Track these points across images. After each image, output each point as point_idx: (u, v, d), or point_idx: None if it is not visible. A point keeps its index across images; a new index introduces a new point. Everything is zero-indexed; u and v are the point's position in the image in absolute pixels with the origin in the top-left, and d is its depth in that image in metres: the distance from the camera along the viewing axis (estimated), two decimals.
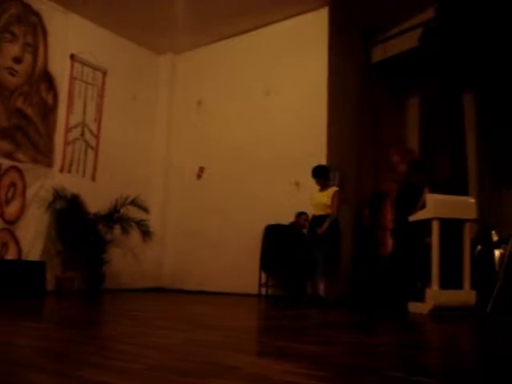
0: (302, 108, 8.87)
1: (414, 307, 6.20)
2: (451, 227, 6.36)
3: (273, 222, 8.57)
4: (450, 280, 6.20)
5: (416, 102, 9.86)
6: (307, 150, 8.57)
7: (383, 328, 5.13)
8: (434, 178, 7.59)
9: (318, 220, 7.22)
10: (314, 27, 8.96)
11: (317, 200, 7.29)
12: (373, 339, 4.17)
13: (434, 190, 6.52)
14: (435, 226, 6.07)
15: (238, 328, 4.62)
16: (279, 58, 9.32)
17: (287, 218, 8.38)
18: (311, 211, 7.44)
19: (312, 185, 8.46)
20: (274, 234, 8.53)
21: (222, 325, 4.82)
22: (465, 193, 7.60)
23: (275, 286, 8.64)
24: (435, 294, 5.97)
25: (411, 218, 6.40)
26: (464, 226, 6.31)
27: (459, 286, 6.17)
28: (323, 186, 7.35)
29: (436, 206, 6.12)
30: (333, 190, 7.24)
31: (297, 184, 8.65)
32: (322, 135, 8.56)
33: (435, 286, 5.98)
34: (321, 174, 7.35)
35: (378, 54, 9.78)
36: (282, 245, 8.29)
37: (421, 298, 6.16)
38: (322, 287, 7.07)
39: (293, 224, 8.34)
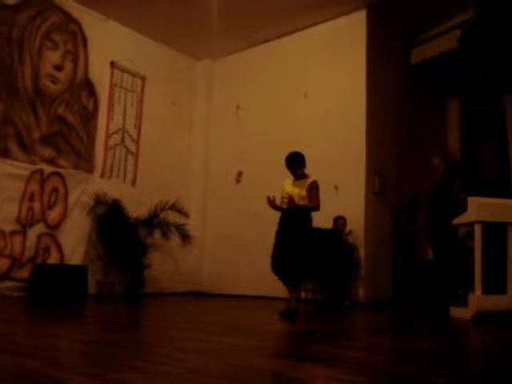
0: (340, 111, 8.81)
1: (457, 312, 6.08)
2: (494, 231, 6.22)
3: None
4: (494, 285, 6.06)
5: (456, 103, 9.70)
6: (346, 154, 8.51)
7: (424, 333, 5.05)
8: (475, 181, 7.44)
9: (291, 214, 6.04)
10: (352, 30, 8.90)
11: (291, 191, 6.07)
12: (414, 344, 4.11)
13: (476, 194, 6.38)
14: (477, 229, 5.94)
15: (276, 332, 4.60)
16: (317, 60, 9.28)
17: (325, 223, 8.32)
18: (281, 204, 6.14)
19: (353, 188, 8.42)
20: (312, 239, 8.44)
21: (260, 329, 4.81)
22: (508, 195, 7.43)
23: (313, 291, 8.58)
24: (478, 299, 5.84)
25: (454, 222, 6.29)
26: (508, 229, 6.16)
27: (503, 291, 6.02)
28: (299, 176, 6.20)
29: (478, 209, 5.99)
30: (311, 179, 6.09)
31: (336, 188, 8.59)
32: (361, 138, 8.49)
33: (478, 290, 5.85)
34: (299, 164, 6.19)
35: (417, 55, 9.65)
36: (320, 249, 8.22)
37: (463, 303, 6.04)
38: (293, 295, 6.02)
39: (331, 229, 8.26)
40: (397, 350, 3.78)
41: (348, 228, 8.27)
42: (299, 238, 5.96)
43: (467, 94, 8.69)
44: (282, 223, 6.15)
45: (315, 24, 9.33)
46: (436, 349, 3.86)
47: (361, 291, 8.20)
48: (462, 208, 6.32)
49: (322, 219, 8.40)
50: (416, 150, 9.45)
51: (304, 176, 6.16)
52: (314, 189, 6.07)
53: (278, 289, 8.71)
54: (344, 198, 8.44)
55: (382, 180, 8.66)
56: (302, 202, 6.00)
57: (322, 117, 9.00)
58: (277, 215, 9.10)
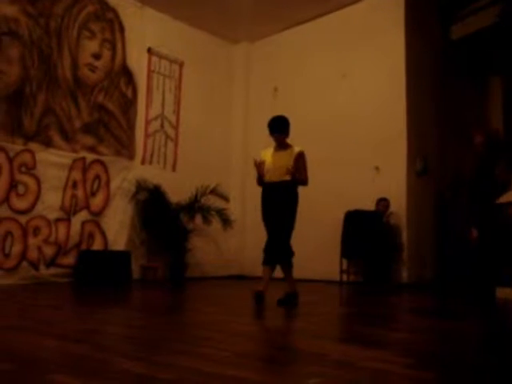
0: (379, 90, 8.69)
1: (503, 293, 5.98)
2: None
3: (353, 208, 8.45)
4: None
5: (498, 80, 9.47)
6: (387, 134, 8.40)
7: (470, 315, 4.98)
8: None
9: (277, 188, 5.36)
10: (390, 7, 8.74)
11: (277, 162, 5.39)
12: (460, 326, 4.05)
13: None
14: None
15: (321, 314, 4.59)
16: (354, 40, 9.15)
17: (367, 204, 8.25)
18: (266, 178, 5.44)
19: (394, 169, 8.30)
20: (354, 221, 8.40)
21: (304, 312, 4.81)
22: None
23: (356, 273, 8.55)
24: None
25: (499, 201, 6.16)
26: None
27: None
28: (282, 145, 5.52)
29: None
30: (297, 149, 5.49)
31: (377, 169, 8.50)
32: (402, 118, 8.36)
33: None
34: (286, 131, 5.58)
35: (458, 31, 9.43)
36: (363, 231, 8.17)
37: (510, 283, 5.94)
38: (291, 279, 5.49)
39: (374, 210, 8.19)
40: (443, 331, 3.74)
41: (390, 210, 8.19)
42: (290, 218, 5.36)
43: (509, 70, 8.48)
44: (268, 200, 5.39)
45: (352, 3, 9.19)
46: (482, 331, 3.80)
47: (404, 273, 8.12)
48: (506, 187, 6.20)
49: (363, 201, 8.37)
50: (458, 129, 9.28)
51: (287, 146, 5.52)
52: (302, 160, 5.46)
53: (322, 271, 8.76)
54: (385, 179, 8.36)
55: (424, 160, 8.53)
56: (287, 177, 5.30)
57: (361, 97, 8.89)
58: (316, 197, 9.12)
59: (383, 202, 8.14)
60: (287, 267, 5.41)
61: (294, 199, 5.40)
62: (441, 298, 6.62)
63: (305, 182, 5.47)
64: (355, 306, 5.77)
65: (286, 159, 5.37)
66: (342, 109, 9.07)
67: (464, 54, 9.35)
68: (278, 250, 5.28)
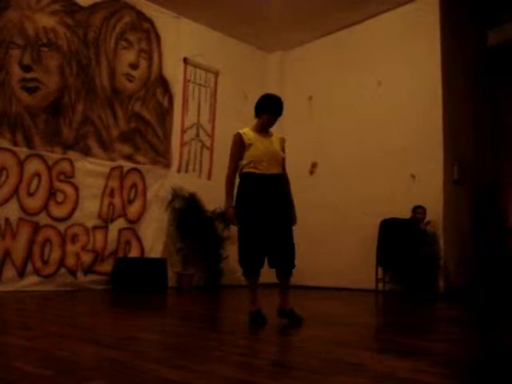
0: (415, 98, 8.61)
1: None
2: None
3: (388, 216, 8.38)
4: None
5: None
6: (422, 142, 8.32)
7: (508, 325, 4.88)
8: None
9: (275, 182, 4.40)
10: (425, 14, 8.66)
11: (270, 150, 4.40)
12: (498, 337, 3.98)
13: None
14: None
15: (358, 324, 4.56)
16: (390, 47, 9.09)
17: (403, 213, 8.17)
18: (256, 169, 4.34)
19: (431, 177, 8.20)
20: (390, 229, 8.34)
21: (342, 321, 4.78)
22: None
23: (392, 282, 8.46)
24: None
25: None
26: None
27: None
28: (266, 129, 4.55)
29: None
30: (280, 136, 4.65)
31: (412, 177, 8.42)
32: (438, 125, 8.26)
33: None
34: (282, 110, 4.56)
35: (495, 36, 9.31)
36: (399, 240, 8.09)
37: None
38: (287, 296, 4.58)
39: (410, 219, 8.10)
40: (481, 342, 3.68)
41: (427, 218, 8.08)
42: (290, 216, 4.56)
43: None
44: (266, 197, 4.33)
45: (387, 10, 9.14)
46: None
47: (441, 282, 8.00)
48: None
49: (399, 209, 8.29)
50: (495, 136, 9.15)
51: (268, 131, 4.58)
52: (284, 152, 4.58)
53: (358, 280, 8.69)
54: (422, 187, 8.27)
55: (461, 167, 8.41)
56: (280, 169, 4.48)
57: (397, 105, 8.82)
58: (351, 205, 9.05)
59: (420, 210, 8.04)
60: (290, 276, 4.57)
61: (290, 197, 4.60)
62: (478, 308, 6.50)
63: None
64: (391, 316, 5.71)
65: (278, 147, 4.49)
66: (378, 117, 9.01)
67: (502, 58, 9.22)
68: (286, 255, 4.38)
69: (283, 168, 4.51)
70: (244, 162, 4.38)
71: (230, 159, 4.51)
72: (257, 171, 4.32)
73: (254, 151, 4.33)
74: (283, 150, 4.54)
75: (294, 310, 4.37)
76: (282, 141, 4.59)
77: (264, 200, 4.29)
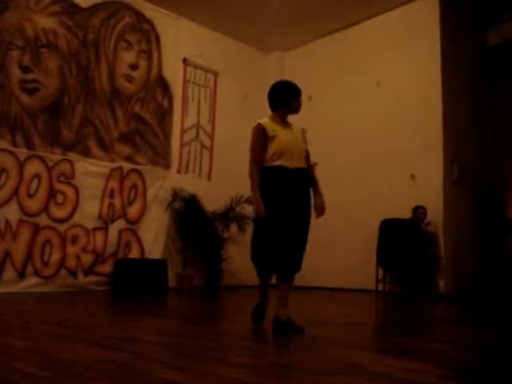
0: (414, 98, 8.61)
1: None
2: None
3: (389, 216, 8.37)
4: None
5: None
6: (422, 142, 8.32)
7: (509, 325, 4.87)
8: None
9: (301, 177, 4.08)
10: (424, 14, 8.66)
11: (293, 142, 4.14)
12: (498, 337, 3.97)
13: None
14: None
15: (358, 324, 4.56)
16: (389, 48, 9.09)
17: (403, 213, 8.16)
18: (280, 162, 4.07)
19: (430, 177, 8.20)
20: (390, 229, 8.33)
21: (341, 321, 4.77)
22: None
23: (392, 282, 8.45)
24: None
25: None
26: None
27: None
28: (286, 119, 4.37)
29: None
30: (303, 128, 4.46)
31: (412, 177, 8.42)
32: (438, 125, 8.26)
33: None
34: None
35: (494, 37, 9.30)
36: (399, 240, 8.08)
37: None
38: (287, 302, 4.10)
39: (410, 219, 8.09)
40: (481, 342, 3.67)
41: (427, 218, 8.08)
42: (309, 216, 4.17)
43: None
44: (293, 193, 4.00)
45: (386, 11, 9.15)
46: None
47: (441, 282, 7.99)
48: None
49: (399, 209, 8.28)
50: (494, 136, 9.15)
51: (287, 123, 4.36)
52: (306, 144, 4.32)
53: (358, 281, 8.68)
54: (421, 187, 8.27)
55: (460, 167, 8.41)
56: (305, 163, 4.15)
57: (396, 105, 8.82)
58: (352, 206, 9.03)
59: (420, 210, 8.03)
60: (292, 281, 4.21)
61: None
62: (479, 308, 6.50)
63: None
64: (391, 316, 5.71)
65: (300, 139, 4.22)
66: (377, 117, 9.01)
67: (502, 58, 9.22)
68: (296, 259, 4.08)
69: (308, 161, 4.23)
70: (268, 155, 4.12)
71: (252, 151, 4.27)
72: (284, 164, 4.01)
73: (278, 144, 4.08)
74: (305, 141, 4.30)
75: (292, 320, 3.84)
76: (304, 131, 4.36)
77: (287, 197, 3.97)
